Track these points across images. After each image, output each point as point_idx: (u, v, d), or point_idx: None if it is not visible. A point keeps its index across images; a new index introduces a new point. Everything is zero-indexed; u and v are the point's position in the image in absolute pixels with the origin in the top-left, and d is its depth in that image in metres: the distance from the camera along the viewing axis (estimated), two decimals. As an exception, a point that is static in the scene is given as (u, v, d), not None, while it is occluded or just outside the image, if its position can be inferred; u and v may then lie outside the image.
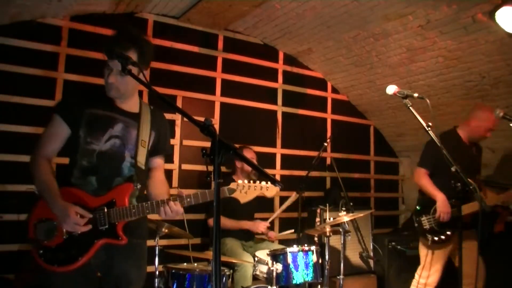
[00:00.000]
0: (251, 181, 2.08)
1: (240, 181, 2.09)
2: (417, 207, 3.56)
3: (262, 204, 4.69)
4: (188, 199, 2.05)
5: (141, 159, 2.17)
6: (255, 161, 4.06)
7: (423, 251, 3.54)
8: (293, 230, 4.17)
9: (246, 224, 3.98)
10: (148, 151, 2.23)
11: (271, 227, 4.36)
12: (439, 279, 3.47)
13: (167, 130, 2.38)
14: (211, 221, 4.00)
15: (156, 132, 2.26)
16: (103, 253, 2.04)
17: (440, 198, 3.38)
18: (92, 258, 2.01)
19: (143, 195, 2.21)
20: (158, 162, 2.36)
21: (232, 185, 2.09)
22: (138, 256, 2.18)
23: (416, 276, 3.57)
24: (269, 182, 2.10)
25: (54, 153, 2.13)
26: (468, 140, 3.60)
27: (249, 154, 4.13)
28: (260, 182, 2.10)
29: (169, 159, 4.29)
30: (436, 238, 3.40)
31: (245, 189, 2.07)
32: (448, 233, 3.38)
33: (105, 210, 2.02)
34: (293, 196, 4.11)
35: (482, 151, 3.77)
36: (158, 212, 2.04)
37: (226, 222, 3.87)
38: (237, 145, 4.26)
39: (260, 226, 4.00)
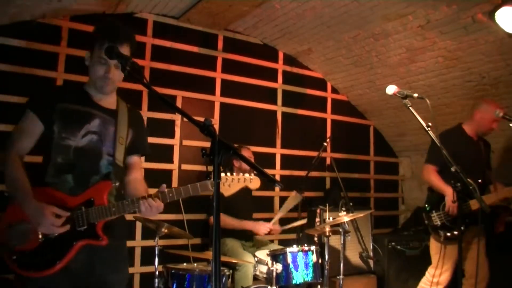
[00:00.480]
0: (234, 174, 2.04)
1: (222, 174, 2.02)
2: (426, 204, 3.55)
3: (262, 204, 4.70)
4: (170, 194, 1.99)
5: (120, 156, 2.10)
6: (252, 160, 4.06)
7: (434, 249, 3.52)
8: (305, 221, 4.10)
9: (248, 225, 3.95)
10: (126, 149, 2.16)
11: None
12: (450, 278, 3.45)
13: (144, 129, 2.33)
14: (212, 220, 3.98)
15: (133, 130, 2.20)
16: (82, 256, 1.93)
17: (449, 193, 3.35)
18: (72, 262, 1.91)
19: (120, 193, 2.14)
20: (136, 160, 2.28)
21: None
22: (119, 258, 2.11)
23: (427, 274, 3.56)
24: (252, 174, 2.07)
25: (26, 150, 2.02)
26: (475, 134, 3.59)
27: (246, 153, 4.12)
28: (243, 175, 2.06)
29: (169, 159, 4.30)
30: (448, 234, 3.38)
31: (228, 182, 2.01)
32: (461, 228, 3.33)
33: (83, 209, 1.94)
34: (293, 195, 4.08)
35: (491, 147, 3.75)
36: (139, 209, 1.97)
37: (229, 221, 3.85)
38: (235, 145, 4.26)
39: (262, 228, 3.96)
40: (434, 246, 3.54)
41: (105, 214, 1.95)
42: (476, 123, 3.55)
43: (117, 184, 2.08)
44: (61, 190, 1.95)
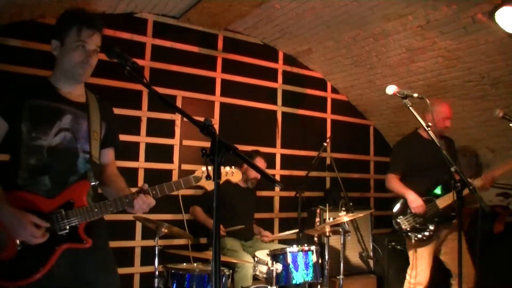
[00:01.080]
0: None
1: (203, 168, 1.97)
2: (393, 210, 3.61)
3: (262, 204, 4.70)
4: (154, 192, 1.95)
5: (96, 153, 1.99)
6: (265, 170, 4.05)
7: (409, 251, 3.58)
8: (296, 230, 4.11)
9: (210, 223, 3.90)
10: (100, 144, 2.05)
11: (270, 230, 4.37)
12: (428, 277, 3.48)
13: (115, 120, 2.21)
14: (195, 210, 3.98)
15: (106, 123, 2.09)
16: (65, 261, 1.84)
17: (409, 194, 3.48)
18: (55, 267, 1.81)
19: (97, 192, 2.03)
20: (110, 154, 2.16)
21: (197, 173, 2.02)
22: (105, 260, 2.01)
23: (407, 276, 3.60)
24: (233, 167, 2.08)
25: None
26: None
27: (260, 163, 4.14)
28: (224, 168, 2.05)
29: (168, 159, 4.30)
30: (419, 236, 3.44)
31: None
32: (431, 228, 3.42)
33: (63, 212, 1.83)
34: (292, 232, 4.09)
35: (454, 143, 3.81)
36: (128, 207, 1.91)
37: (201, 216, 3.87)
38: (247, 148, 4.28)
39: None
40: (408, 249, 3.60)
41: (87, 216, 1.87)
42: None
43: (96, 183, 1.99)
44: (36, 192, 1.84)
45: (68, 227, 1.84)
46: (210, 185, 2.01)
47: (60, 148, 1.90)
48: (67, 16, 1.96)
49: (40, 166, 1.85)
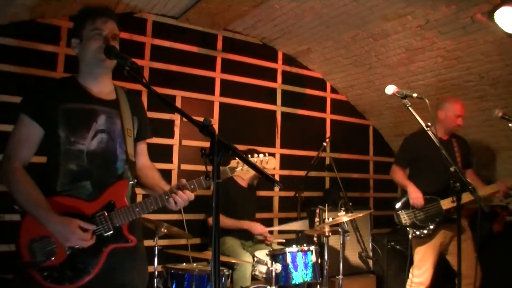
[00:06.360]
0: (249, 155, 1.97)
1: (237, 159, 1.94)
2: (397, 204, 3.65)
3: (262, 204, 4.70)
4: (192, 186, 1.93)
5: (131, 151, 1.98)
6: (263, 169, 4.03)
7: (414, 249, 3.58)
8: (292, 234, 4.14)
9: (245, 224, 3.94)
10: (134, 140, 2.04)
11: (270, 232, 4.36)
12: (431, 278, 3.48)
13: (144, 111, 2.19)
14: (210, 220, 3.99)
15: (137, 117, 2.08)
16: (108, 261, 1.85)
17: (410, 187, 3.52)
18: (101, 268, 1.84)
19: (134, 191, 2.03)
20: (142, 147, 2.16)
21: (232, 163, 1.97)
22: (141, 258, 2.03)
23: (410, 274, 3.60)
24: (267, 154, 2.03)
25: (28, 160, 1.87)
26: (444, 134, 3.64)
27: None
28: (258, 156, 2.00)
29: (168, 159, 4.30)
30: (417, 232, 3.47)
31: (246, 166, 1.93)
32: (431, 227, 3.44)
33: (106, 214, 1.84)
34: (302, 224, 4.09)
35: (468, 142, 3.80)
36: (168, 203, 1.90)
37: (226, 221, 3.84)
38: (243, 148, 4.27)
39: (259, 228, 3.94)
40: (413, 247, 3.59)
41: (130, 216, 1.87)
42: (441, 123, 3.62)
43: (134, 181, 1.99)
44: (77, 196, 1.84)
45: (112, 228, 1.85)
46: (245, 174, 1.98)
47: (99, 151, 1.89)
48: (80, 13, 1.97)
49: (81, 171, 1.85)
